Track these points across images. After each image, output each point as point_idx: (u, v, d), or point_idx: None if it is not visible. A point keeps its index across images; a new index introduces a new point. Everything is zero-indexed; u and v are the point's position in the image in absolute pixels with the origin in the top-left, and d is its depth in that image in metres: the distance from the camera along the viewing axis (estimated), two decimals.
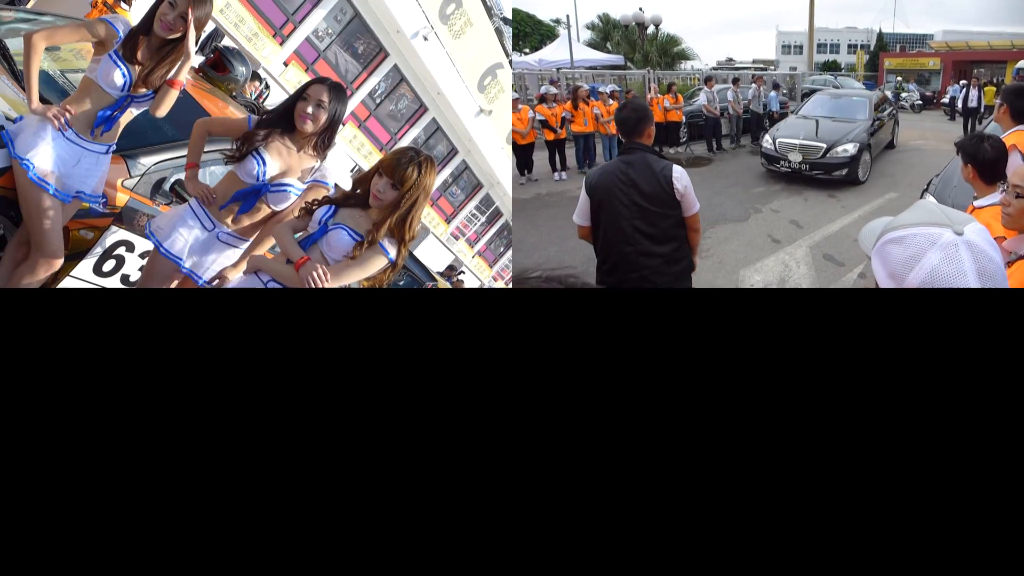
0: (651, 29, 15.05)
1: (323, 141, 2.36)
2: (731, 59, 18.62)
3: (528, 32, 16.68)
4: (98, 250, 2.61)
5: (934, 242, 1.27)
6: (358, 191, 2.18)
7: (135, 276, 2.70)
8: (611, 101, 7.73)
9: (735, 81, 10.10)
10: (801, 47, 19.33)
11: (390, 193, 2.09)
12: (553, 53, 12.87)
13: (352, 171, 9.77)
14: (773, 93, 10.27)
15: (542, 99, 7.54)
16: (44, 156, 2.32)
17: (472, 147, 13.16)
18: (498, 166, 13.37)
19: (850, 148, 7.30)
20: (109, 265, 2.67)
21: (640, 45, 15.18)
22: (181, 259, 2.30)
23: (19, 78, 2.59)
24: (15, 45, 2.69)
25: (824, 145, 7.32)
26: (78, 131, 2.38)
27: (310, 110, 2.29)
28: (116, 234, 2.63)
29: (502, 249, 15.63)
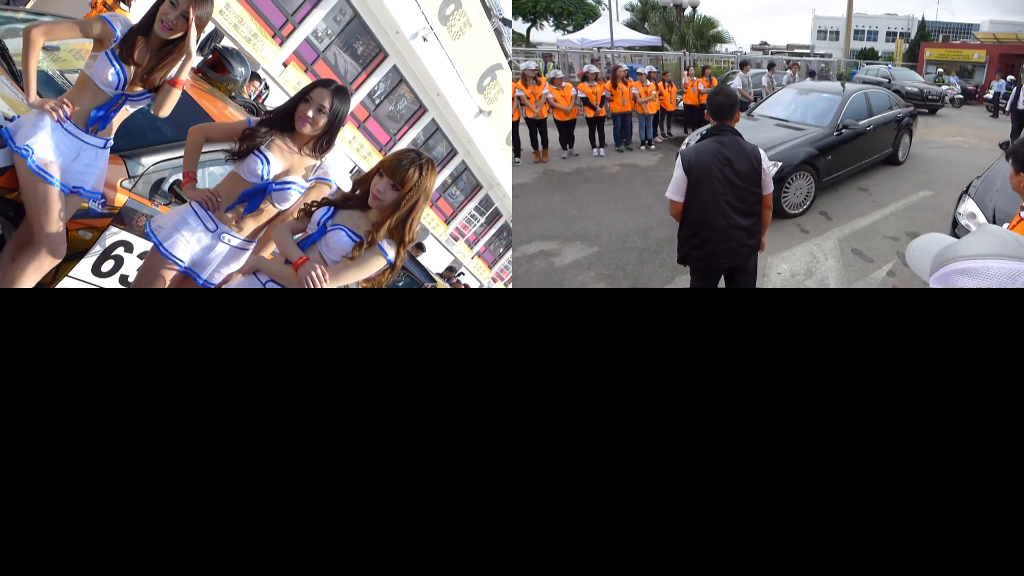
0: (688, 11, 15.20)
1: (322, 144, 2.37)
2: (765, 43, 18.17)
3: (571, 11, 17.18)
4: (97, 250, 2.60)
5: (1016, 279, 1.19)
6: (357, 192, 2.18)
7: (134, 277, 2.69)
8: (648, 82, 7.78)
9: (771, 66, 9.69)
10: (837, 33, 18.58)
11: (390, 194, 2.09)
12: (595, 32, 13.11)
13: (351, 172, 9.76)
14: (808, 80, 9.69)
15: (584, 77, 7.63)
16: (43, 145, 2.32)
17: (471, 148, 13.17)
18: (497, 167, 13.38)
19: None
20: (108, 265, 2.67)
21: (677, 27, 15.19)
22: (182, 260, 2.30)
23: (18, 78, 2.59)
24: (14, 46, 2.69)
25: None
26: (76, 124, 2.38)
27: (311, 113, 2.29)
28: (115, 235, 2.63)
29: (501, 250, 15.65)
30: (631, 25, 15.29)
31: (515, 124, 7.21)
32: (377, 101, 11.54)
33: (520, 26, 17.35)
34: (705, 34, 15.65)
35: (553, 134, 7.38)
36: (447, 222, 14.13)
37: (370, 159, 11.05)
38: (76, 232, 2.57)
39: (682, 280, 3.91)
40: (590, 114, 7.42)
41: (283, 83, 9.42)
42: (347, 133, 10.79)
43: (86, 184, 2.42)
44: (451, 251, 14.16)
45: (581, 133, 7.57)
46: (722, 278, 2.95)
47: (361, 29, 10.66)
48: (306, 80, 9.37)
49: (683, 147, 5.62)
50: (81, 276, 2.58)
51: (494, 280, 15.52)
